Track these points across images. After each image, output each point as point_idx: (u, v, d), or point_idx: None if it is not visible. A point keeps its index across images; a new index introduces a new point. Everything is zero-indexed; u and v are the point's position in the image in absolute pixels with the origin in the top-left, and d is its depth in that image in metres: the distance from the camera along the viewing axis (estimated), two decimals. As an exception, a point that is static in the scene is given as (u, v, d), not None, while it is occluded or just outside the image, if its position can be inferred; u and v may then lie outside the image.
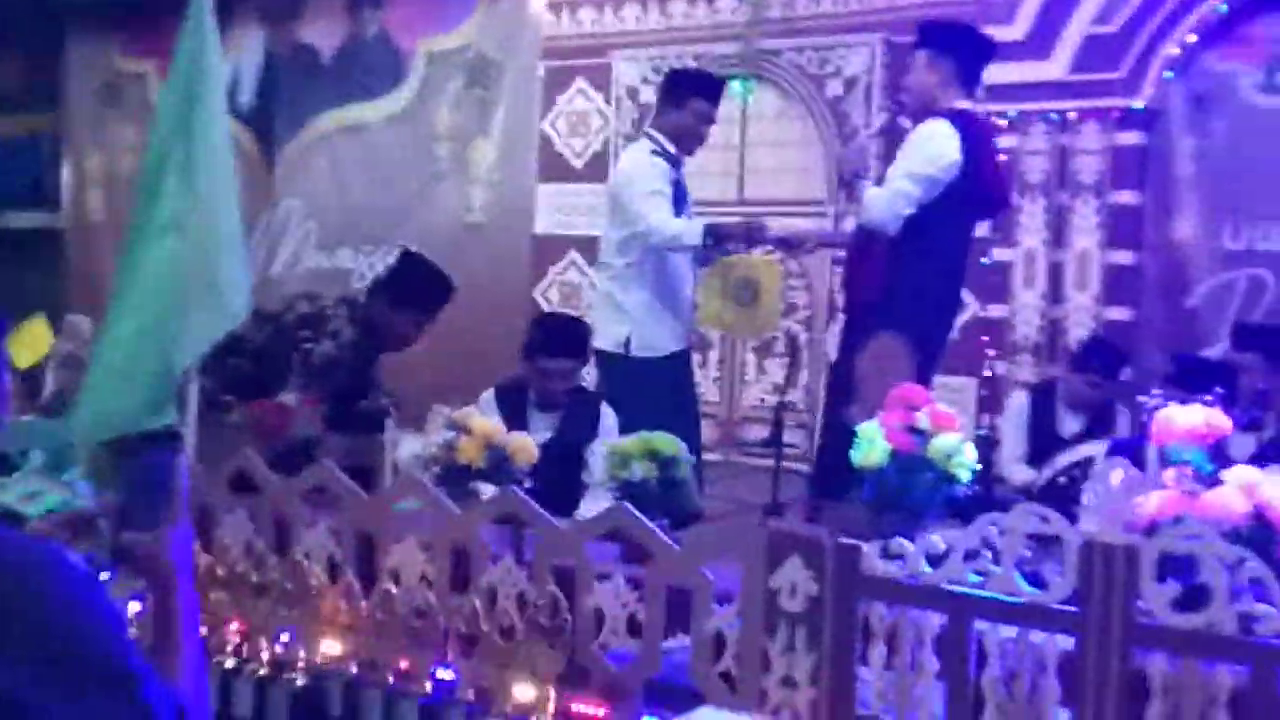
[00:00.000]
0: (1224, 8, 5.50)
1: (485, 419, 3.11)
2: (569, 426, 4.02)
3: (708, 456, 6.90)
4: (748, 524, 2.57)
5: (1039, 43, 5.83)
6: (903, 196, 3.67)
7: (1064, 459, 4.93)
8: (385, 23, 8.14)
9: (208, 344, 3.25)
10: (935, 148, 3.69)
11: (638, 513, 2.58)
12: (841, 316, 6.38)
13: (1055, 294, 5.87)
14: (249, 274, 3.43)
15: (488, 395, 4.16)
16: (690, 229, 4.28)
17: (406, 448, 3.07)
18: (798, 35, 6.67)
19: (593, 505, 3.71)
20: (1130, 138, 5.77)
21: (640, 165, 4.36)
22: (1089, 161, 5.76)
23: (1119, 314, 5.84)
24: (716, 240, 4.28)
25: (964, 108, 3.77)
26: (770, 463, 6.60)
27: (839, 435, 3.84)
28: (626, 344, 4.45)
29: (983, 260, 5.72)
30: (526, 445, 3.08)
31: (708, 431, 7.08)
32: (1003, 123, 5.94)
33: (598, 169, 7.36)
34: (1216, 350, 5.75)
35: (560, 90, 7.50)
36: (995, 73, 6.11)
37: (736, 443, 7.06)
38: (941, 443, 2.75)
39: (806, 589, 2.34)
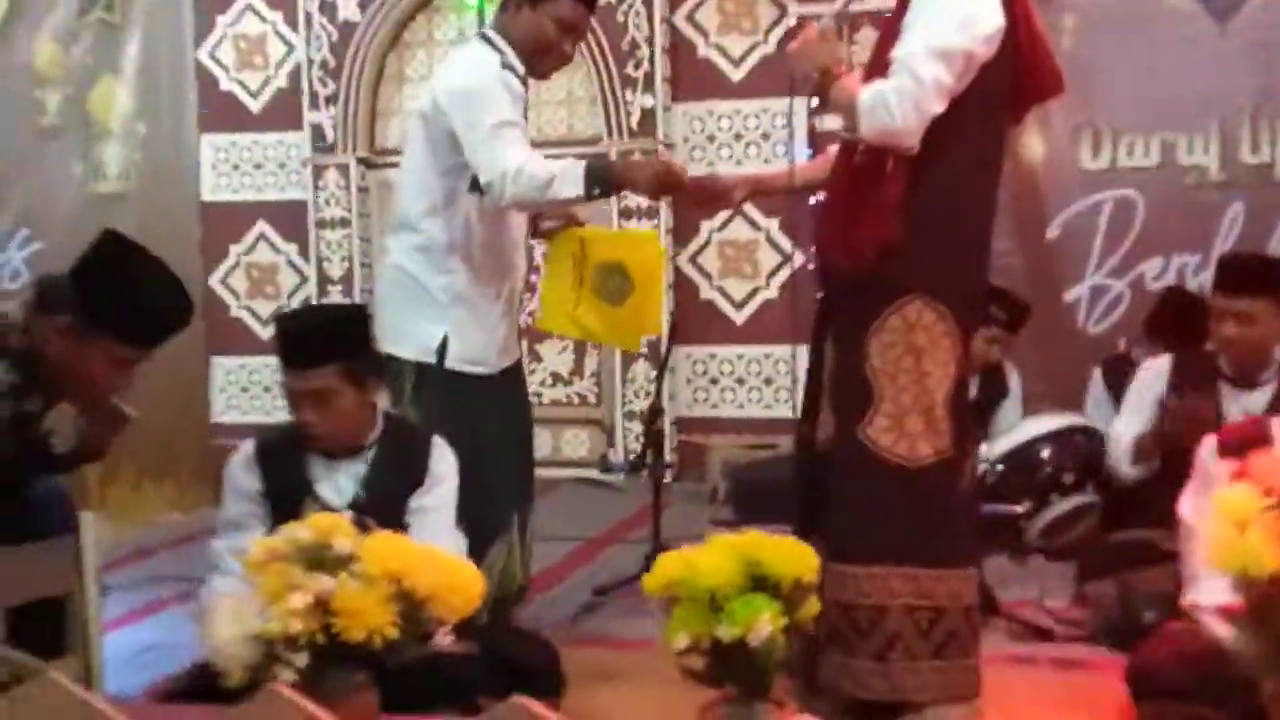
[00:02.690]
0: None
1: (378, 540, 1.51)
2: (381, 478, 2.49)
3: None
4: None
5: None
6: (931, 86, 2.36)
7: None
8: (-54, -79, 5.85)
9: None
10: (968, 7, 2.40)
11: None
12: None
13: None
14: None
15: (243, 454, 2.53)
16: (568, 171, 2.79)
17: (224, 624, 1.44)
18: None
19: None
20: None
21: (486, 80, 2.81)
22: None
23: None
24: (605, 190, 2.83)
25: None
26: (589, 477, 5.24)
27: (829, 464, 2.54)
28: (440, 351, 2.89)
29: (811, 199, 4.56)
30: (466, 581, 1.52)
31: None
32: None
33: (284, 110, 5.58)
34: (1082, 290, 4.98)
35: (220, 9, 5.61)
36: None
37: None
38: None
39: None
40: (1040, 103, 2.68)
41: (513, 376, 3.08)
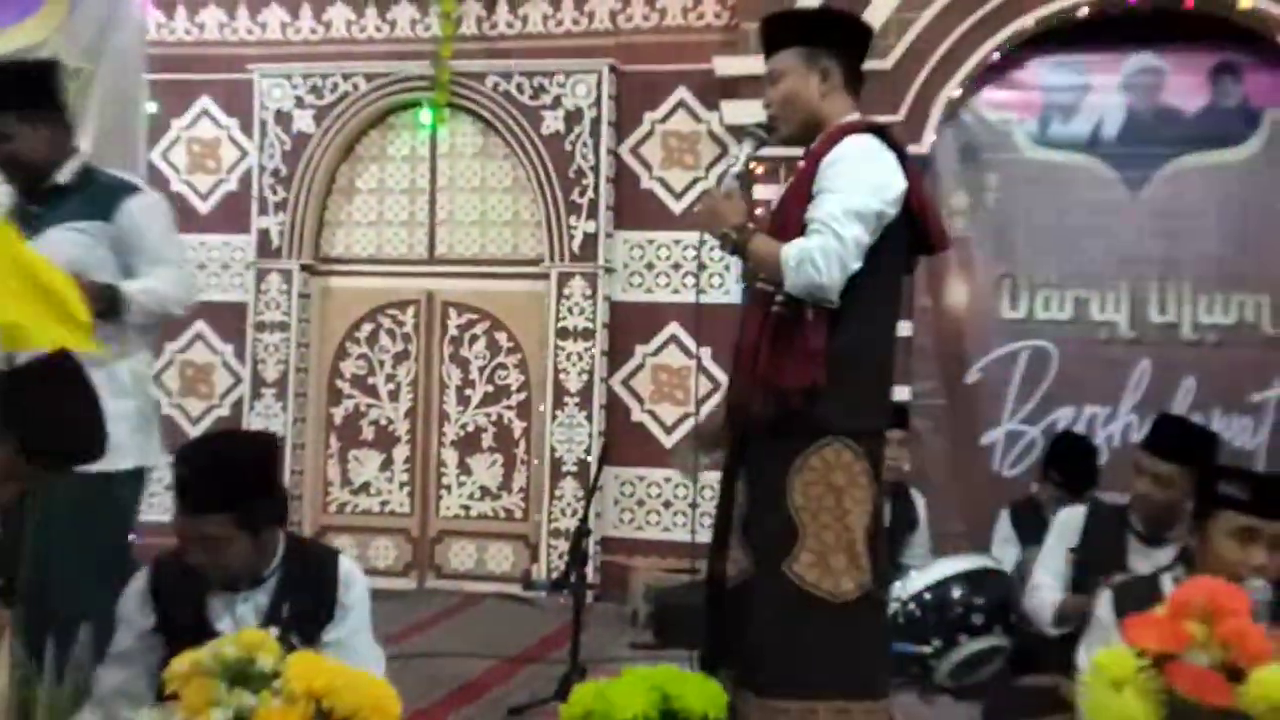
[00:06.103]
0: (997, 54, 4.94)
1: (302, 658, 1.55)
2: (286, 607, 2.35)
3: (394, 584, 5.40)
4: None
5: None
6: (852, 244, 2.52)
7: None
8: (-95, 11, 5.92)
9: None
10: (879, 173, 2.58)
11: None
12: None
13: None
14: None
15: (136, 587, 2.40)
16: None
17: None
18: (505, 57, 5.42)
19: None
20: (902, 192, 5.05)
21: None
22: (861, 218, 4.96)
23: (899, 393, 5.06)
24: None
25: (875, 122, 2.71)
26: (510, 592, 5.20)
27: (745, 600, 2.62)
28: None
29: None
30: (385, 702, 1.57)
31: (392, 551, 5.57)
32: (758, 169, 5.02)
33: (233, 213, 5.66)
34: (997, 434, 5.17)
35: (177, 112, 5.72)
36: (735, 112, 5.25)
37: (434, 565, 5.57)
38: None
39: None
40: (929, 255, 2.84)
41: None
